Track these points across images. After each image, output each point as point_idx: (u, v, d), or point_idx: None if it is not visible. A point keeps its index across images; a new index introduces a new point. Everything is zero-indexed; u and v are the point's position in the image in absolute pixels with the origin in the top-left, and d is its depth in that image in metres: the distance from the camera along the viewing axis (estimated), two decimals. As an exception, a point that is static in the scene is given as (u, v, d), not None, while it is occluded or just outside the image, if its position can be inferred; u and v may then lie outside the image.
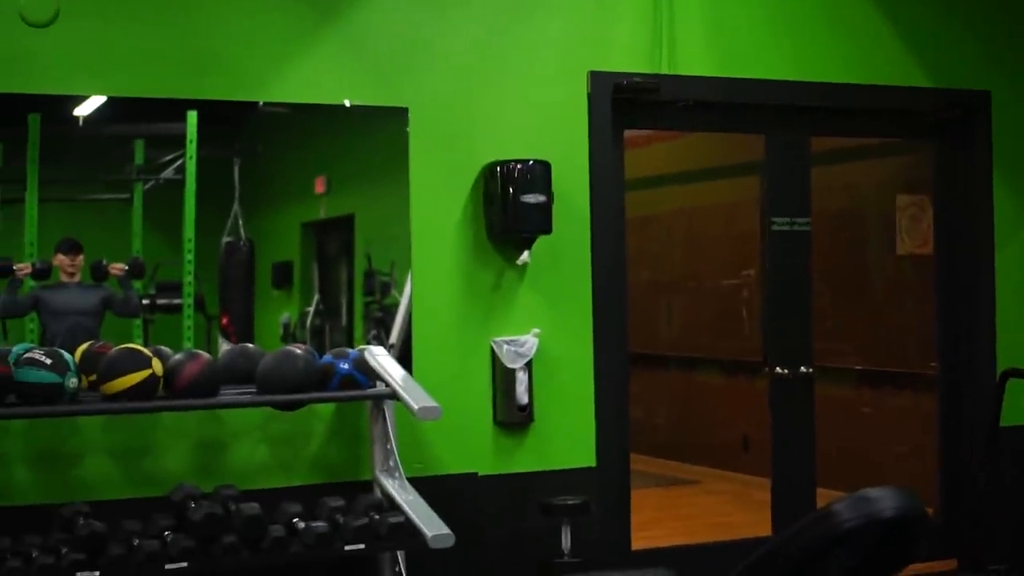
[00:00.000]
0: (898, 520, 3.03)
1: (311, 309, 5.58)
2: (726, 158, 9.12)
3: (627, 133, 5.92)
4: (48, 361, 4.35)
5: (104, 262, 5.10)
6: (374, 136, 5.49)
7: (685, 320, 10.49)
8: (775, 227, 6.28)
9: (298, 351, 4.83)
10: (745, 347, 9.18)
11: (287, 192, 5.62)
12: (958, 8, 6.45)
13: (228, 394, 4.72)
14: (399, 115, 5.38)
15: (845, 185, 8.99)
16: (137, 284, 5.19)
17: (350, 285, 5.62)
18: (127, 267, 5.14)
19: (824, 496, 6.20)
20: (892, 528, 3.05)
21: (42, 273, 5.00)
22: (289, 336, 5.46)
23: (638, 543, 5.94)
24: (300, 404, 4.94)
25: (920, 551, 3.14)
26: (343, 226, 5.64)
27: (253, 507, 4.52)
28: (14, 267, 4.96)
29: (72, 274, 5.07)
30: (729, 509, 8.34)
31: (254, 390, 4.78)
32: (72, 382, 4.38)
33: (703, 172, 9.82)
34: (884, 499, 3.04)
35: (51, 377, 4.33)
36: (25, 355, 4.38)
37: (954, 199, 6.62)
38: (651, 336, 10.37)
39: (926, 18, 6.39)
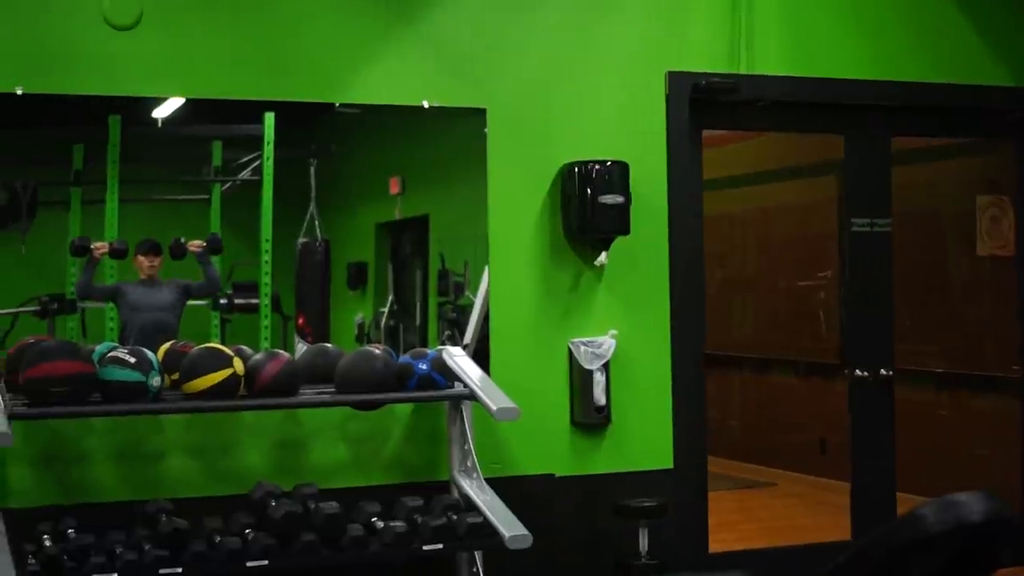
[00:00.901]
0: (986, 524, 2.99)
1: (385, 309, 5.60)
2: (803, 158, 9.04)
3: (705, 133, 5.89)
4: (132, 360, 4.40)
5: (183, 240, 5.15)
6: (451, 136, 5.51)
7: (761, 321, 10.41)
8: (855, 228, 6.22)
9: (376, 351, 4.86)
10: (821, 348, 9.10)
11: (362, 193, 5.66)
12: (1041, 5, 6.37)
13: (307, 394, 4.76)
14: (477, 115, 5.39)
15: (925, 185, 8.88)
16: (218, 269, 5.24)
17: (424, 285, 5.64)
18: (205, 243, 5.18)
19: (904, 501, 6.14)
20: (979, 532, 3.01)
21: (118, 253, 5.04)
22: (364, 336, 5.49)
23: (714, 546, 5.91)
24: (379, 404, 4.96)
25: (1007, 556, 3.09)
26: (417, 226, 5.67)
27: (332, 506, 4.55)
28: (92, 246, 5.02)
29: (151, 275, 5.13)
30: (805, 512, 8.27)
31: (333, 390, 4.81)
32: (155, 381, 4.43)
33: (780, 172, 9.74)
34: (971, 503, 3.00)
35: (135, 376, 4.38)
36: (109, 353, 4.43)
37: (1036, 199, 6.53)
38: (726, 337, 10.30)
39: (1005, 15, 6.31)
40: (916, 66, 6.14)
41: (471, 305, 5.43)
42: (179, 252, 5.17)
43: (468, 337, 5.39)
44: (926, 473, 8.12)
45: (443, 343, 5.34)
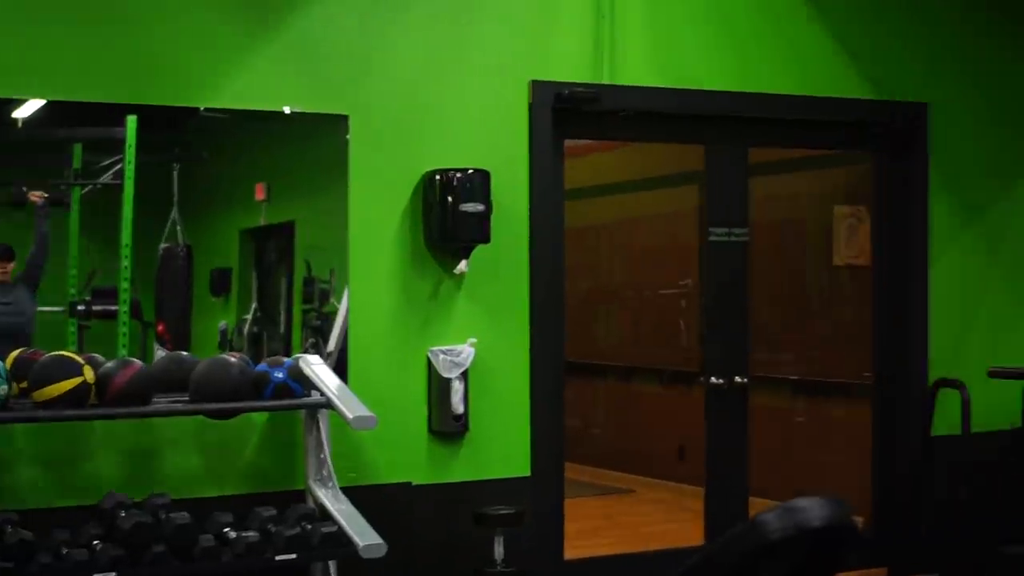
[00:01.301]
0: (826, 529, 3.04)
1: (249, 317, 5.54)
2: (667, 168, 9.15)
3: (568, 142, 5.92)
4: (-24, 367, 4.29)
5: (24, 189, 5.03)
6: (315, 143, 5.46)
7: (624, 330, 10.51)
8: (713, 237, 6.31)
9: (232, 359, 4.80)
10: (683, 357, 9.22)
11: (227, 198, 5.59)
12: (898, 21, 6.51)
13: (161, 402, 4.68)
14: (339, 123, 5.35)
15: (785, 195, 9.04)
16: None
17: (289, 293, 5.59)
18: (47, 195, 5.06)
19: (757, 505, 6.23)
20: (821, 537, 3.05)
21: None
22: (227, 343, 5.42)
23: (573, 552, 5.94)
24: (233, 413, 4.90)
25: (848, 560, 3.15)
26: (283, 233, 5.61)
27: (183, 516, 4.48)
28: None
29: (3, 280, 5.01)
30: (663, 518, 8.36)
31: (187, 398, 4.74)
32: (2, 389, 4.32)
33: (644, 182, 9.84)
34: (813, 509, 3.04)
35: (-21, 384, 4.27)
36: (-47, 361, 4.32)
37: (891, 210, 6.67)
38: (590, 345, 10.38)
39: (866, 31, 6.45)
40: (776, 78, 6.24)
41: (336, 313, 5.39)
42: (20, 199, 5.02)
43: (332, 345, 5.35)
44: (782, 478, 8.26)
45: (307, 351, 5.30)
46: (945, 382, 6.32)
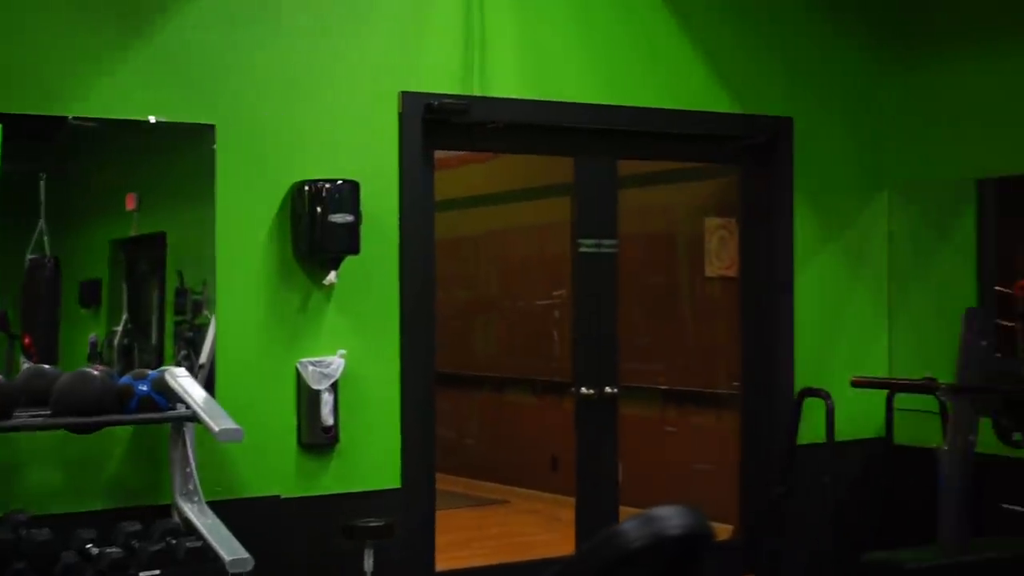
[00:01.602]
0: (684, 538, 3.08)
1: (120, 328, 5.46)
2: (541, 179, 9.21)
3: (440, 154, 5.94)
4: None
5: None
6: (183, 153, 5.40)
7: (498, 341, 10.54)
8: (582, 249, 6.36)
9: (95, 372, 4.72)
10: (556, 368, 9.27)
11: (98, 208, 5.49)
12: (764, 36, 6.63)
13: (21, 416, 4.59)
14: (206, 132, 5.29)
15: (659, 207, 9.14)
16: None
17: (161, 304, 5.51)
18: None
19: (628, 515, 6.27)
20: (679, 546, 3.09)
21: None
22: (97, 356, 5.33)
23: (445, 564, 5.94)
24: (96, 427, 4.81)
25: (705, 569, 3.19)
26: (155, 244, 5.54)
27: (44, 532, 4.40)
28: None
29: None
30: (536, 529, 8.40)
31: (48, 412, 4.65)
32: None
33: (519, 193, 9.89)
34: (671, 517, 3.08)
35: None
36: None
37: (757, 223, 6.78)
38: (464, 356, 10.40)
39: (733, 45, 6.55)
40: (645, 92, 6.31)
41: (209, 324, 5.33)
42: None
43: (203, 357, 5.29)
44: (654, 488, 8.34)
45: (179, 363, 5.24)
46: (810, 391, 6.43)
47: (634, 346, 8.96)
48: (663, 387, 8.96)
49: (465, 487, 9.79)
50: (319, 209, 5.35)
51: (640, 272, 9.12)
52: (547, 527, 8.27)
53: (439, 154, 5.96)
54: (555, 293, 9.47)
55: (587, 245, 6.35)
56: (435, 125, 5.78)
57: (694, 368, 8.89)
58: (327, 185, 5.38)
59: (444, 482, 8.94)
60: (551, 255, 9.48)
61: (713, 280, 8.48)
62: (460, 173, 9.66)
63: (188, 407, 4.77)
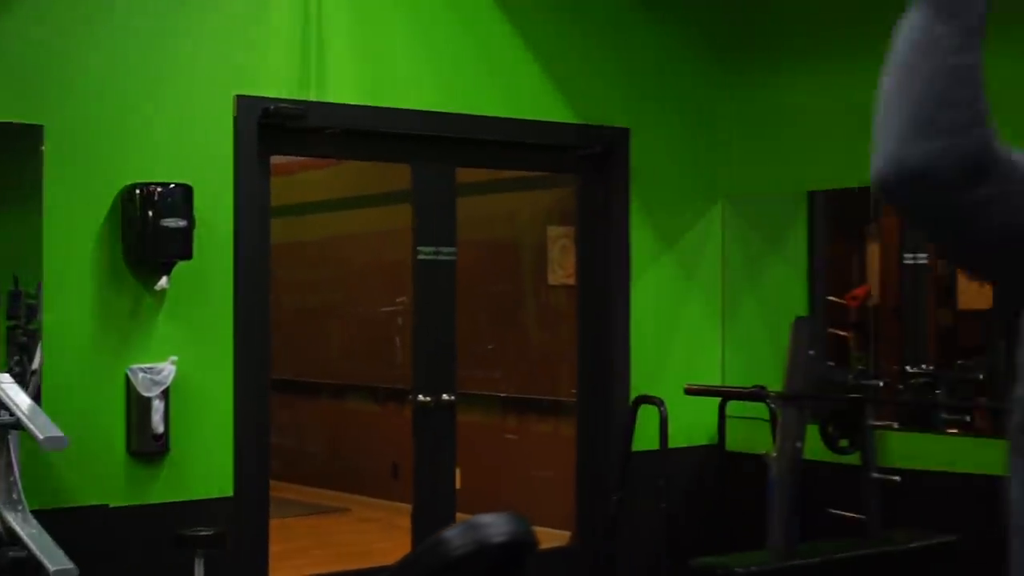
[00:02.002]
0: (508, 545, 3.10)
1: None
2: (385, 185, 9.20)
3: (281, 159, 5.89)
4: None
5: None
6: (12, 154, 5.28)
7: (339, 347, 10.49)
8: (421, 256, 6.36)
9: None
10: (397, 375, 9.26)
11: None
12: (603, 48, 6.70)
13: None
14: (34, 133, 5.18)
15: (504, 215, 9.19)
16: None
17: (-8, 308, 5.38)
18: None
19: (464, 523, 6.29)
20: (502, 553, 3.11)
21: None
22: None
23: (281, 573, 5.89)
24: (-85, 434, 4.68)
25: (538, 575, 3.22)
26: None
27: None
28: None
29: None
30: (376, 537, 8.38)
31: None
32: None
33: (362, 199, 9.87)
34: (495, 525, 3.10)
35: None
36: None
37: (595, 232, 6.85)
38: (307, 363, 10.33)
39: (572, 56, 6.61)
40: (484, 100, 6.34)
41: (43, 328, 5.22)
42: None
43: (36, 362, 5.18)
44: (494, 495, 8.38)
45: (12, 368, 5.11)
46: (645, 399, 6.52)
47: (476, 354, 9.00)
48: (505, 395, 9.01)
49: (305, 495, 9.72)
50: (151, 213, 5.26)
51: (484, 280, 9.16)
52: (386, 535, 8.25)
53: (280, 159, 5.92)
54: (398, 300, 9.47)
55: (426, 252, 6.36)
56: (271, 130, 5.73)
57: (536, 376, 8.96)
58: (159, 189, 5.30)
59: (284, 490, 8.88)
60: (394, 262, 9.46)
61: (556, 288, 8.56)
62: (302, 178, 9.61)
63: (12, 414, 4.66)
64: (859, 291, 7.06)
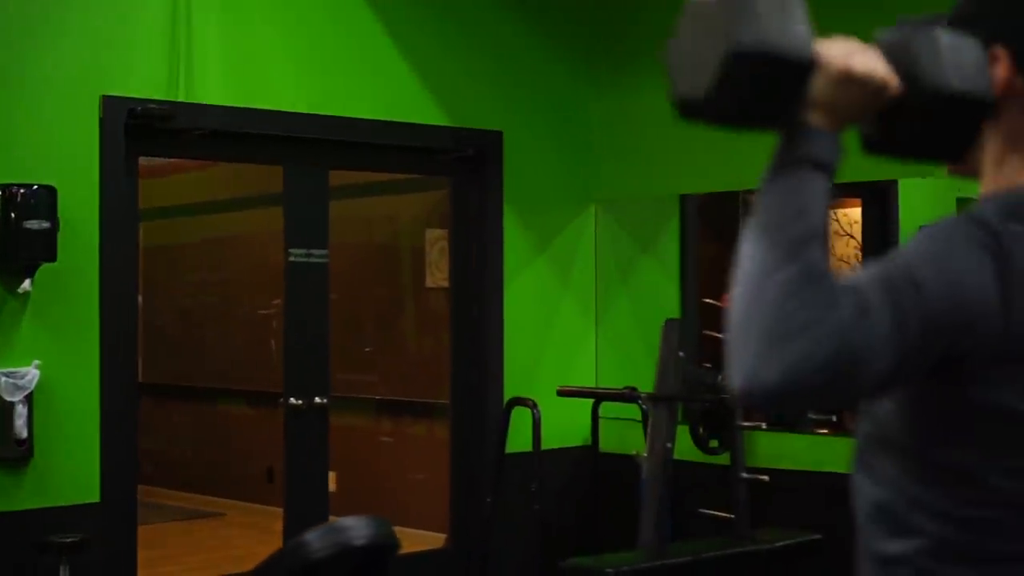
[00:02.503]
0: (369, 548, 3.10)
1: None
2: (261, 187, 9.13)
3: (155, 161, 5.81)
4: None
5: None
6: None
7: (216, 351, 10.38)
8: (292, 258, 6.32)
9: None
10: (272, 378, 9.19)
11: None
12: (475, 50, 6.71)
13: None
14: None
15: (383, 218, 9.17)
16: None
17: None
18: None
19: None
20: (364, 556, 3.11)
21: None
22: None
23: (147, 579, 5.82)
24: None
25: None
26: None
27: None
28: None
29: None
30: (250, 542, 8.30)
31: None
32: None
33: (240, 201, 9.78)
34: (356, 528, 3.10)
35: None
36: None
37: (469, 234, 6.86)
38: (181, 367, 10.21)
39: (445, 59, 6.61)
40: (357, 102, 6.31)
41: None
42: None
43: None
44: (370, 498, 8.36)
45: None
46: (518, 401, 6.54)
47: (354, 357, 8.97)
48: (381, 397, 8.99)
49: (180, 500, 9.61)
50: (13, 215, 5.17)
51: (363, 282, 9.14)
52: (261, 539, 8.16)
53: (153, 161, 5.84)
54: (274, 302, 9.40)
55: (297, 255, 6.32)
56: (139, 131, 5.65)
57: (413, 378, 8.95)
58: (22, 190, 5.21)
59: (158, 495, 8.78)
60: (271, 264, 9.40)
61: (434, 290, 8.56)
62: (179, 180, 9.50)
63: None
64: (732, 293, 7.14)
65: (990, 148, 1.77)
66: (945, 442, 1.69)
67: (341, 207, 8.45)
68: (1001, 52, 1.73)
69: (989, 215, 1.66)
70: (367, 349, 9.24)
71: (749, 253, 1.60)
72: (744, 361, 1.53)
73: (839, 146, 1.62)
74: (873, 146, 1.71)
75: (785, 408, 1.57)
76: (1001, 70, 1.73)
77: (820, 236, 1.58)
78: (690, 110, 1.63)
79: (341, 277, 8.59)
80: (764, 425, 6.52)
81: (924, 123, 1.65)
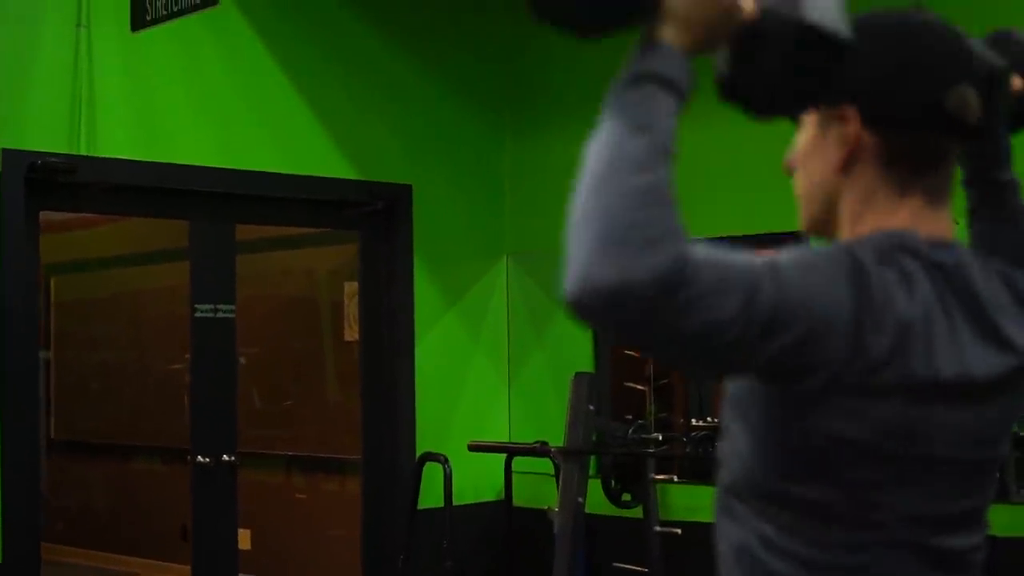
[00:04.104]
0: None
1: None
2: (171, 241, 9.04)
3: (64, 216, 5.72)
4: None
5: None
6: None
7: (127, 406, 10.22)
8: (199, 314, 6.24)
9: None
10: (183, 434, 9.06)
11: None
12: (382, 103, 6.69)
13: None
14: None
15: (301, 271, 9.09)
16: None
17: None
18: None
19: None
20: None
21: None
22: None
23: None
24: None
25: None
26: None
27: None
28: None
29: None
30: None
31: None
32: None
33: (153, 255, 9.66)
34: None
35: None
36: None
37: (379, 288, 6.81)
38: (91, 423, 10.04)
39: (351, 112, 6.58)
40: (263, 156, 6.26)
41: None
42: None
43: None
44: (282, 555, 8.24)
45: None
46: (430, 456, 6.47)
47: (269, 412, 8.87)
48: (296, 453, 8.88)
49: (91, 559, 9.43)
50: (-93, 271, 5.07)
51: (280, 336, 9.04)
52: (171, 599, 8.04)
53: (61, 216, 5.74)
54: (186, 356, 9.28)
55: (203, 310, 6.24)
56: (40, 184, 5.56)
57: (329, 434, 8.85)
58: (-84, 245, 5.11)
59: (68, 555, 8.62)
60: (182, 318, 9.29)
61: (351, 344, 8.48)
62: (96, 233, 9.39)
63: None
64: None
65: (846, 207, 1.79)
66: (790, 477, 1.69)
67: (259, 260, 8.38)
68: (850, 111, 1.74)
69: (865, 254, 1.66)
70: (286, 403, 9.13)
71: (595, 156, 1.58)
72: (578, 262, 1.51)
73: (688, 67, 1.60)
74: (725, 87, 1.68)
75: (616, 325, 1.53)
76: (850, 128, 1.74)
77: (667, 155, 1.56)
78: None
79: (259, 331, 8.50)
80: (676, 478, 6.50)
81: (775, 60, 1.62)
